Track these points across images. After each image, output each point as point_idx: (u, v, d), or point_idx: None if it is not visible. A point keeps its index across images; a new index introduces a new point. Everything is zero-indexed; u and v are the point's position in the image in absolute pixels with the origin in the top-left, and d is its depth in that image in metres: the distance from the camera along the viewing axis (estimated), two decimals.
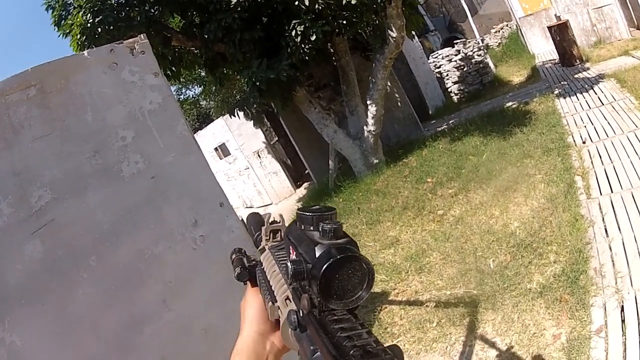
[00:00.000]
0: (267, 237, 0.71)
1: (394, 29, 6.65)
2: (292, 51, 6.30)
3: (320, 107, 7.83)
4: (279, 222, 0.72)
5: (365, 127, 7.47)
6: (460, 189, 5.31)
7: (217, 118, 12.45)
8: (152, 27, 6.44)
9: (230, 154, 12.02)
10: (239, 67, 7.10)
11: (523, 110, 7.31)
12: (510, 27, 16.07)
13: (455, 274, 3.67)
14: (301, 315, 0.46)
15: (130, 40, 1.40)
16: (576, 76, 8.50)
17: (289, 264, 0.45)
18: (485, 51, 12.64)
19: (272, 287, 0.59)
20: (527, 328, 2.72)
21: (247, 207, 12.60)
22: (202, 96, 16.58)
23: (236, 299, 0.72)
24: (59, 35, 6.35)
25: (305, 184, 11.23)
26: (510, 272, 3.30)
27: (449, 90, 11.77)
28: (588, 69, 8.87)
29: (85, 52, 1.34)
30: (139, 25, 6.19)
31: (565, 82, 8.36)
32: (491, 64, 12.40)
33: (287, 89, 6.92)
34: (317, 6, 5.96)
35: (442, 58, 11.90)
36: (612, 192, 3.87)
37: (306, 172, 10.70)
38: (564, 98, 7.29)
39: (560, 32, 9.55)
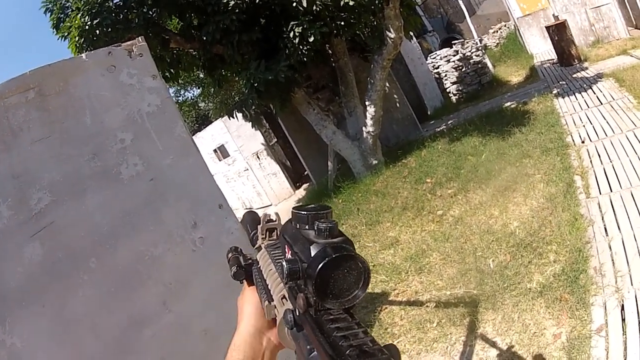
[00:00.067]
0: (263, 236, 0.71)
1: (392, 29, 6.65)
2: (290, 52, 6.30)
3: (319, 108, 7.83)
4: (275, 221, 0.71)
5: (364, 128, 7.47)
6: (460, 189, 5.31)
7: (216, 120, 12.42)
8: (150, 29, 6.44)
9: (229, 156, 12.00)
10: (237, 68, 7.10)
11: (522, 110, 7.32)
12: (508, 27, 16.06)
13: (455, 274, 3.67)
14: (297, 314, 0.46)
15: (128, 42, 1.40)
16: (574, 76, 8.50)
17: (284, 263, 0.45)
18: (484, 51, 12.66)
19: (269, 286, 0.58)
20: (528, 327, 2.72)
21: (246, 209, 12.55)
22: (201, 98, 16.57)
23: (235, 300, 0.72)
24: (58, 38, 6.36)
25: (305, 185, 11.22)
26: (510, 272, 3.30)
27: (448, 90, 11.77)
28: (586, 68, 8.88)
29: (84, 55, 1.34)
30: (137, 27, 6.19)
31: (564, 82, 8.36)
32: (489, 64, 12.41)
33: (286, 90, 6.92)
34: (315, 7, 5.96)
35: (441, 59, 11.90)
36: (611, 191, 3.87)
37: (305, 173, 10.69)
38: (563, 98, 7.29)
39: (559, 32, 9.56)
